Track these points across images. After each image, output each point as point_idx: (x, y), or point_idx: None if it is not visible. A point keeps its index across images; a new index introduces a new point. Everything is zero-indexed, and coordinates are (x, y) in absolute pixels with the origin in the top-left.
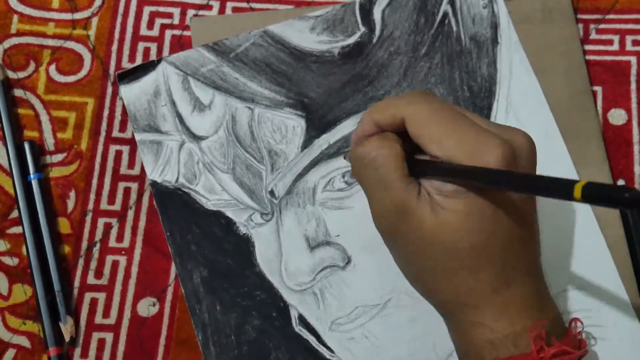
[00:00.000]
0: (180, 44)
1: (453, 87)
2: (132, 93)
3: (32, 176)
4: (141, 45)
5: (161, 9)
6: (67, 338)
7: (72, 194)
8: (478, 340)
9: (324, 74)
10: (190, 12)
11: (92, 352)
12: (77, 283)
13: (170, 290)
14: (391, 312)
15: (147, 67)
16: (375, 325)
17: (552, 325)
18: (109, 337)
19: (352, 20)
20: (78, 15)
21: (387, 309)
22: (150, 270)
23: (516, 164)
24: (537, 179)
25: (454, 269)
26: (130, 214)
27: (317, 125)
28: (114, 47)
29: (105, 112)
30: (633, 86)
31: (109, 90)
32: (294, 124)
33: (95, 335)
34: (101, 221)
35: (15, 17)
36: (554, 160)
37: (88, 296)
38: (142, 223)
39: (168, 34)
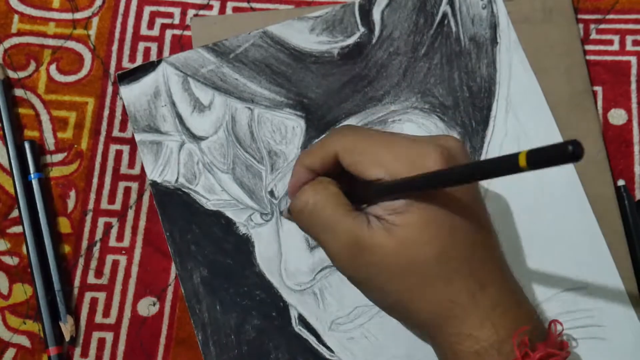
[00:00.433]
0: (180, 44)
1: (452, 87)
2: (132, 94)
3: (32, 176)
4: (141, 45)
5: (161, 8)
6: (67, 337)
7: (73, 193)
8: (464, 353)
9: (324, 74)
10: (191, 12)
11: (92, 351)
12: (77, 282)
13: (170, 289)
14: None
15: (147, 67)
16: (374, 325)
17: (534, 329)
18: (109, 336)
19: (351, 20)
20: (78, 15)
21: (387, 309)
22: (150, 269)
23: (455, 163)
24: (482, 163)
25: (427, 283)
26: (131, 213)
27: (316, 126)
28: (115, 47)
29: (106, 112)
30: (633, 86)
31: (109, 90)
32: (294, 124)
33: (96, 335)
34: (101, 221)
35: (16, 17)
36: None
37: (88, 296)
38: (142, 223)
39: (168, 33)
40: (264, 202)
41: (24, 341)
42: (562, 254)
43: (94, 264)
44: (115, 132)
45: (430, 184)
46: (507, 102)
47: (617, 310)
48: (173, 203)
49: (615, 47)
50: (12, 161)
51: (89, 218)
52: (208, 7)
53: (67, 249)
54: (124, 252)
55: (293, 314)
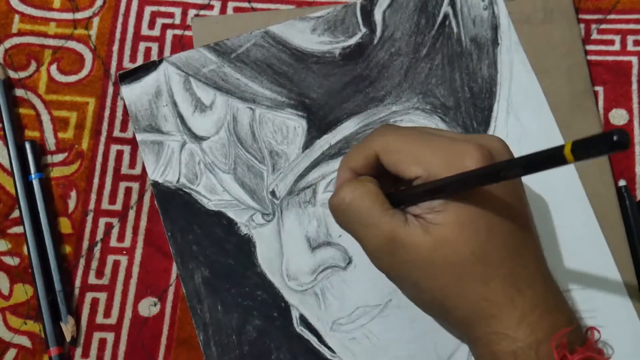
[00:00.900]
0: (181, 43)
1: (454, 88)
2: (133, 93)
3: (33, 176)
4: (142, 45)
5: (162, 8)
6: (68, 338)
7: (73, 193)
8: (501, 352)
9: (325, 74)
10: (192, 12)
11: (93, 352)
12: (78, 283)
13: (171, 290)
14: (392, 312)
15: (149, 67)
16: (376, 325)
17: (572, 333)
18: (110, 337)
19: (353, 21)
20: (79, 15)
21: (388, 309)
22: (151, 270)
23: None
24: (525, 159)
25: (463, 282)
26: (132, 213)
27: (318, 126)
28: (115, 47)
29: (107, 112)
30: (634, 86)
31: (110, 90)
32: (295, 124)
33: (97, 335)
34: (102, 221)
35: (17, 17)
36: None
37: (89, 296)
38: (143, 223)
39: (169, 33)
40: (266, 202)
41: (25, 341)
42: (563, 255)
43: (94, 264)
44: (116, 132)
45: (468, 183)
46: (508, 103)
47: (618, 311)
48: (174, 203)
49: (617, 47)
50: (13, 161)
51: (89, 218)
52: (209, 7)
53: (67, 249)
54: (125, 252)
55: (294, 315)
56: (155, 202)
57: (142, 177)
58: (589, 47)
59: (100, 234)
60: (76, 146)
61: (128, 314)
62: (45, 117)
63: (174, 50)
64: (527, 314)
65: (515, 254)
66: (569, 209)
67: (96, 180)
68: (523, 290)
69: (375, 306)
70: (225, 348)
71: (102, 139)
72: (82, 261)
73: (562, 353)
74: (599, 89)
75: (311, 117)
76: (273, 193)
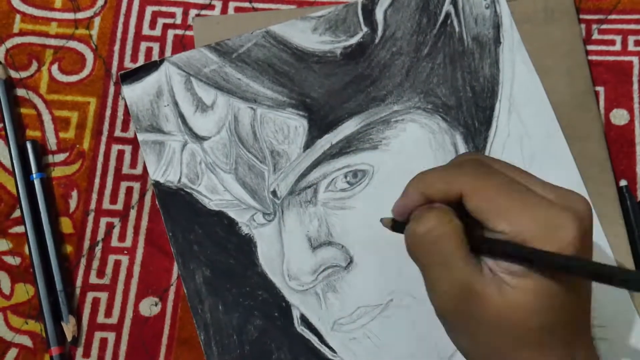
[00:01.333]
0: (182, 43)
1: (455, 87)
2: (134, 93)
3: (34, 175)
4: (143, 45)
5: (163, 8)
6: (69, 337)
7: (75, 193)
8: None
9: (326, 74)
10: (193, 12)
11: (94, 351)
12: (79, 282)
13: (172, 289)
14: (393, 312)
15: (150, 67)
16: (377, 325)
17: None
18: (111, 336)
19: (354, 20)
20: (80, 15)
21: (389, 309)
22: (152, 269)
23: (587, 236)
24: (613, 270)
25: (522, 348)
26: (133, 213)
27: (319, 126)
28: (116, 47)
29: (108, 112)
30: (635, 86)
31: (111, 90)
32: (296, 124)
33: (98, 335)
34: (103, 221)
35: (18, 17)
36: (557, 160)
37: (90, 296)
38: (144, 222)
39: (170, 33)
40: (267, 202)
41: (26, 341)
42: None
43: (96, 264)
44: (117, 132)
45: (570, 271)
46: (510, 102)
47: (619, 310)
48: (176, 203)
49: (617, 47)
50: (14, 161)
51: (91, 218)
52: (210, 7)
53: (69, 249)
54: (126, 252)
55: (295, 314)
56: (157, 202)
57: (144, 176)
58: (590, 47)
59: (101, 234)
60: (77, 146)
61: (129, 313)
62: (46, 117)
63: (175, 50)
64: None
65: (576, 323)
66: None
67: (97, 180)
68: (576, 358)
69: (376, 306)
70: (226, 348)
71: (104, 138)
72: (83, 261)
73: None
74: (600, 89)
75: (312, 116)
76: (274, 193)
